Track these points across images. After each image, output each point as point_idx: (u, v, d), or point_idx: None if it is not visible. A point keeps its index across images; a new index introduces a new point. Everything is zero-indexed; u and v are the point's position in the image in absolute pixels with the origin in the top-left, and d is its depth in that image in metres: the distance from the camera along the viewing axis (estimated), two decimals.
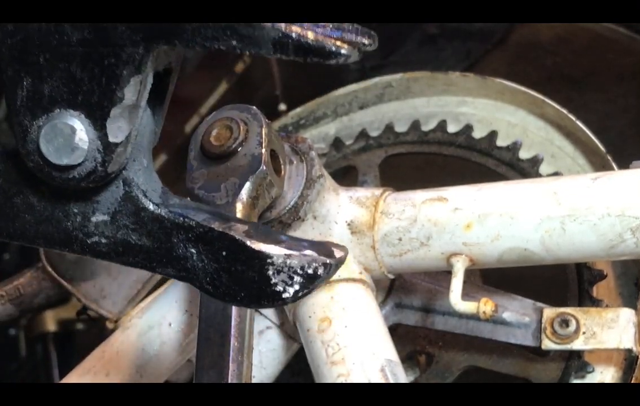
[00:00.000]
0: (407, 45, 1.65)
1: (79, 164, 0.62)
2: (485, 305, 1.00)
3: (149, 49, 0.59)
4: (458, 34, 1.64)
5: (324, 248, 0.62)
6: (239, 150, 1.00)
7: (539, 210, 0.99)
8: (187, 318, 1.10)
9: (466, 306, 1.01)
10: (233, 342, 0.94)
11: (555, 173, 1.19)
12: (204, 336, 0.94)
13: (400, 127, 1.30)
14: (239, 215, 0.97)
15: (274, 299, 0.62)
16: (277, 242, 0.62)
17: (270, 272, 0.61)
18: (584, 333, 1.03)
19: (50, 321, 1.52)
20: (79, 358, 1.13)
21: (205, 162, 1.01)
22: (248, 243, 0.62)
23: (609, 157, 1.16)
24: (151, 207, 0.64)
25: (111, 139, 0.61)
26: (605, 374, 1.05)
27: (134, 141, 0.63)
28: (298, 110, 1.37)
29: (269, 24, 0.56)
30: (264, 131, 1.00)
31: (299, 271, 0.61)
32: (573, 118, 1.21)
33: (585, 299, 1.10)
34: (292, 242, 0.62)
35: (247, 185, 0.98)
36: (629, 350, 1.02)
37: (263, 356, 1.15)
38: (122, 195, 0.64)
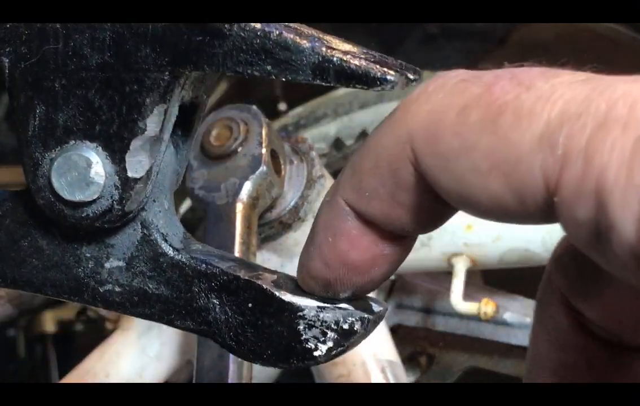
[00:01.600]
0: (407, 45, 1.65)
1: (94, 201, 0.57)
2: (486, 306, 1.00)
3: (175, 75, 0.55)
4: (458, 33, 1.64)
5: (361, 302, 0.56)
6: (239, 150, 1.00)
7: None
8: None
9: (467, 307, 1.01)
10: None
11: None
12: (204, 337, 0.94)
13: None
14: (238, 215, 0.97)
15: (304, 358, 0.56)
16: (310, 294, 0.56)
17: (301, 327, 0.56)
18: None
19: (49, 322, 1.52)
20: (78, 359, 1.13)
21: (205, 162, 1.01)
22: (277, 294, 0.56)
23: None
24: (171, 252, 0.58)
25: (130, 174, 0.56)
26: None
27: (154, 178, 0.58)
28: (298, 110, 1.36)
29: (308, 47, 0.52)
30: (264, 131, 1.00)
31: (332, 326, 0.55)
32: None
33: None
34: (326, 297, 0.56)
35: (247, 185, 0.98)
36: None
37: None
38: (140, 239, 0.59)
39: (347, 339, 0.56)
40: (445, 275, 1.08)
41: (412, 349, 1.17)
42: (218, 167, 1.00)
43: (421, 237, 1.04)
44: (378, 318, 0.56)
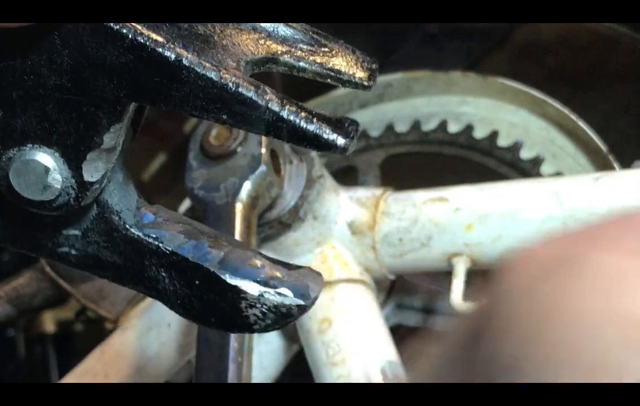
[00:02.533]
0: (407, 45, 1.65)
1: (51, 200, 0.59)
2: None
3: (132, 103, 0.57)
4: (459, 33, 1.64)
5: (300, 284, 0.61)
6: (238, 150, 1.00)
7: (540, 210, 0.98)
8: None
9: (467, 307, 1.00)
10: (233, 343, 0.93)
11: (557, 174, 1.19)
12: (203, 337, 0.94)
13: (401, 127, 1.29)
14: (238, 215, 0.97)
15: (245, 329, 0.61)
16: (254, 272, 0.60)
17: (242, 306, 0.60)
18: None
19: (49, 322, 1.52)
20: (78, 359, 1.13)
21: (204, 161, 1.01)
22: (222, 276, 0.60)
23: (611, 157, 1.15)
24: (124, 229, 0.62)
25: (86, 178, 0.59)
26: None
27: (109, 173, 0.60)
28: None
29: (263, 104, 0.54)
30: None
31: (272, 309, 0.60)
32: (574, 118, 1.21)
33: None
34: (269, 273, 0.61)
35: (247, 185, 0.98)
36: None
37: (263, 357, 1.14)
38: (95, 215, 0.62)
39: (284, 320, 0.60)
40: (445, 275, 1.08)
41: (412, 349, 1.17)
42: (217, 166, 1.00)
43: (421, 237, 1.04)
44: (313, 303, 0.61)
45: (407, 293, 1.16)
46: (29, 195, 0.59)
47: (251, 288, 0.60)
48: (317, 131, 0.54)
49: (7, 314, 1.26)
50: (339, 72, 0.62)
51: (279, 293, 0.60)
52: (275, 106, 0.54)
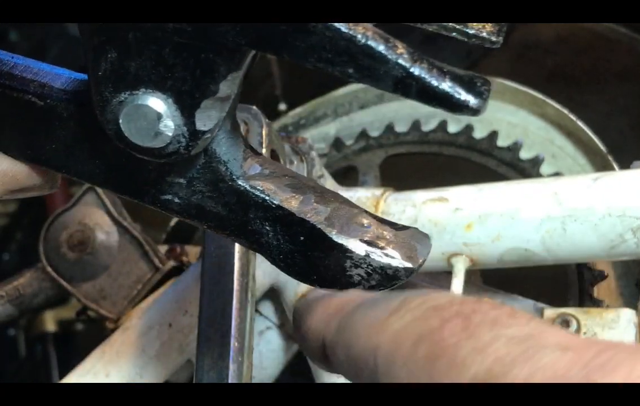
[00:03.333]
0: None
1: (161, 147, 0.57)
2: None
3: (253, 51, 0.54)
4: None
5: (407, 245, 0.59)
6: None
7: (539, 210, 0.98)
8: (187, 319, 1.10)
9: None
10: (233, 343, 0.93)
11: (556, 174, 1.19)
12: (204, 337, 0.94)
13: (401, 127, 1.30)
14: None
15: (348, 286, 0.59)
16: (360, 231, 0.58)
17: (347, 265, 0.58)
18: (584, 333, 1.02)
19: (50, 322, 1.52)
20: (78, 358, 1.13)
21: None
22: (328, 234, 0.58)
23: (610, 157, 1.15)
24: (230, 180, 0.60)
25: (199, 127, 0.56)
26: None
27: (221, 123, 0.58)
28: (298, 110, 1.36)
29: (393, 59, 0.51)
30: (264, 131, 1.00)
31: (378, 270, 0.58)
32: (574, 118, 1.21)
33: (586, 299, 1.10)
34: (376, 232, 0.59)
35: None
36: None
37: (263, 356, 1.14)
38: (202, 164, 0.60)
39: (390, 282, 0.59)
40: (445, 275, 1.08)
41: None
42: None
43: None
44: (420, 266, 0.59)
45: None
46: (139, 141, 0.57)
47: (357, 247, 0.58)
48: (449, 90, 0.51)
49: (8, 314, 1.26)
50: (465, 24, 0.60)
51: (386, 254, 0.58)
52: (405, 62, 0.51)
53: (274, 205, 0.59)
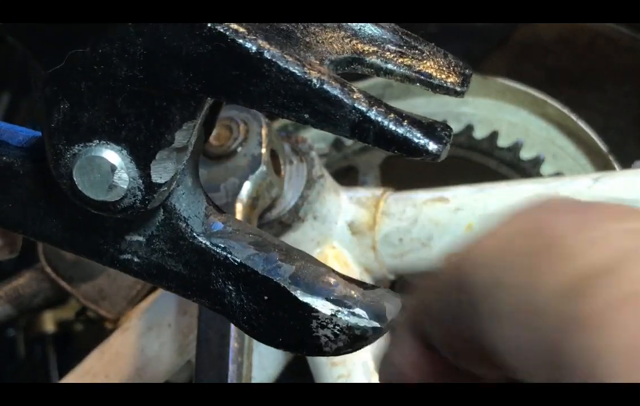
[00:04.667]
0: None
1: (116, 201, 0.56)
2: None
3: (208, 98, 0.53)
4: (458, 33, 1.64)
5: (376, 305, 0.57)
6: (238, 150, 1.00)
7: None
8: (186, 319, 1.10)
9: None
10: (233, 343, 0.93)
11: (557, 174, 1.19)
12: (203, 337, 0.94)
13: None
14: (238, 216, 0.97)
15: (314, 351, 0.57)
16: (327, 290, 0.56)
17: (313, 325, 0.56)
18: None
19: (49, 322, 1.52)
20: (78, 359, 1.13)
21: (205, 162, 1.01)
22: (292, 293, 0.56)
23: (611, 157, 1.15)
24: (191, 237, 0.58)
25: (154, 180, 0.55)
26: None
27: (179, 176, 0.56)
28: None
29: (349, 103, 0.50)
30: (264, 131, 1.00)
31: (345, 330, 0.56)
32: (574, 118, 1.21)
33: None
34: (343, 291, 0.57)
35: (247, 185, 0.98)
36: None
37: (263, 357, 1.14)
38: (161, 221, 0.58)
39: (358, 343, 0.56)
40: None
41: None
42: (218, 167, 1.00)
43: (421, 237, 1.04)
44: (389, 326, 0.57)
45: (407, 293, 1.15)
46: (93, 195, 0.55)
47: (323, 306, 0.56)
48: (407, 135, 0.50)
49: (7, 314, 1.26)
50: (429, 75, 0.58)
51: (353, 314, 0.56)
52: (362, 106, 0.50)
53: (236, 263, 0.57)
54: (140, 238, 0.59)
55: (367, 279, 1.07)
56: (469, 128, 1.25)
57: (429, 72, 0.58)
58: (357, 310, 0.56)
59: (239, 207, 0.97)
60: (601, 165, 1.17)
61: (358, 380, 0.99)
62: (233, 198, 0.98)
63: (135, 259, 0.59)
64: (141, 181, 0.55)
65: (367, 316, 0.56)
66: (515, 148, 1.21)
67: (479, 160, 1.23)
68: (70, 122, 0.54)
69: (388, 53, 0.58)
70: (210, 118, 0.58)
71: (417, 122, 0.50)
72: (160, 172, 0.55)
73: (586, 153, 1.21)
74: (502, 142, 1.23)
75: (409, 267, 1.05)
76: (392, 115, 0.50)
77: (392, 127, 0.50)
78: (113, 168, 0.54)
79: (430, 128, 0.50)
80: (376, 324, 0.56)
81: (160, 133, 0.53)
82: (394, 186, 1.10)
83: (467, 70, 0.60)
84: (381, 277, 1.08)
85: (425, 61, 0.58)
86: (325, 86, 0.50)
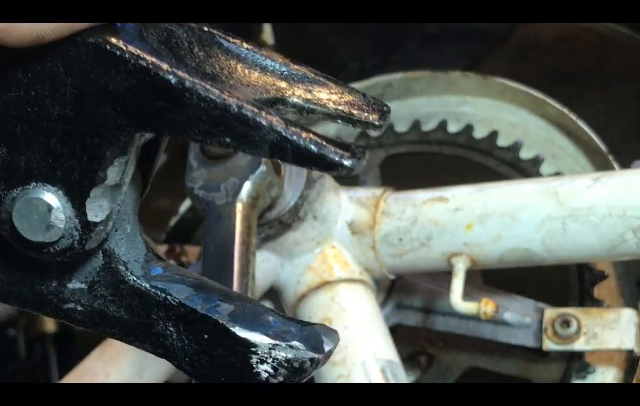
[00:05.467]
0: (407, 45, 1.65)
1: (54, 242, 0.57)
2: (486, 306, 1.00)
3: (136, 133, 0.56)
4: (459, 33, 1.64)
5: (314, 338, 0.59)
6: None
7: (540, 210, 0.98)
8: None
9: (467, 307, 1.01)
10: None
11: (557, 173, 1.19)
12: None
13: (401, 127, 1.30)
14: (238, 215, 0.97)
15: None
16: (265, 326, 0.59)
17: (253, 361, 0.59)
18: (585, 333, 1.02)
19: (49, 322, 1.52)
20: (78, 358, 1.13)
21: (205, 162, 1.01)
22: (231, 329, 0.58)
23: (610, 157, 1.15)
24: (131, 280, 0.60)
25: (90, 218, 0.57)
26: (606, 375, 1.05)
27: (115, 216, 0.59)
28: None
29: (266, 124, 0.53)
30: None
31: (284, 364, 0.58)
32: (574, 117, 1.21)
33: (587, 300, 1.10)
34: (281, 327, 0.59)
35: (247, 185, 0.98)
36: (630, 351, 1.02)
37: None
38: (101, 266, 0.60)
39: (297, 375, 0.58)
40: (445, 275, 1.08)
41: (412, 349, 1.17)
42: (218, 166, 1.00)
43: (421, 237, 1.04)
44: (327, 357, 0.59)
45: (406, 293, 1.16)
46: (32, 236, 0.57)
47: (262, 341, 0.58)
48: (322, 151, 0.53)
49: (7, 314, 1.26)
50: (350, 113, 0.61)
51: (291, 347, 0.58)
52: (279, 127, 0.53)
53: (176, 303, 0.59)
54: (82, 285, 0.61)
55: (367, 278, 1.07)
56: (469, 128, 1.25)
57: (349, 109, 0.62)
58: (295, 343, 0.58)
59: (239, 207, 0.97)
60: (601, 165, 1.17)
61: (358, 380, 0.99)
62: (233, 198, 0.98)
63: (79, 307, 0.61)
64: (77, 220, 0.57)
65: (304, 348, 0.58)
66: (515, 148, 1.21)
67: (479, 160, 1.23)
68: (8, 167, 0.57)
69: (309, 94, 0.61)
70: (148, 162, 0.60)
71: (331, 141, 0.53)
72: (96, 211, 0.57)
73: (586, 153, 1.21)
74: (502, 141, 1.23)
75: (409, 266, 1.05)
76: (307, 135, 0.53)
77: (307, 144, 0.53)
78: (50, 208, 0.56)
79: (345, 145, 0.53)
80: (313, 355, 0.58)
81: (93, 170, 0.56)
82: (393, 186, 1.10)
83: (384, 108, 0.63)
84: (381, 277, 1.08)
85: (344, 99, 0.62)
86: (243, 110, 0.53)
